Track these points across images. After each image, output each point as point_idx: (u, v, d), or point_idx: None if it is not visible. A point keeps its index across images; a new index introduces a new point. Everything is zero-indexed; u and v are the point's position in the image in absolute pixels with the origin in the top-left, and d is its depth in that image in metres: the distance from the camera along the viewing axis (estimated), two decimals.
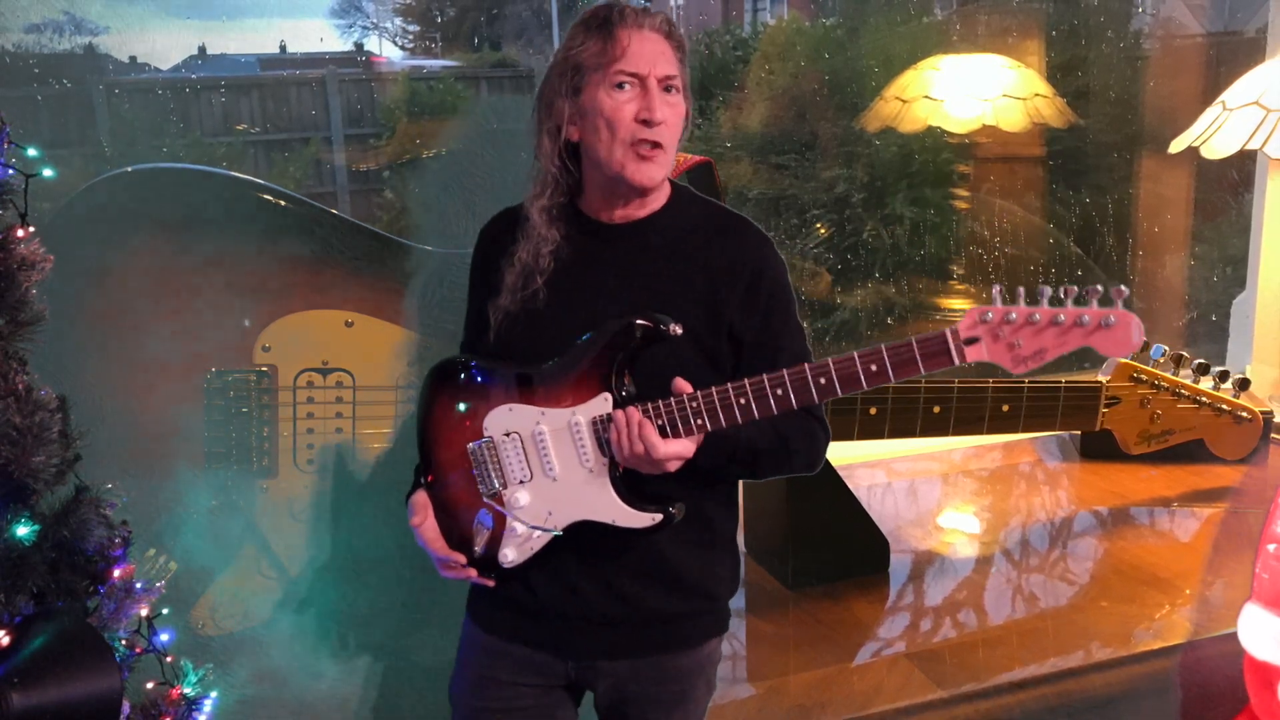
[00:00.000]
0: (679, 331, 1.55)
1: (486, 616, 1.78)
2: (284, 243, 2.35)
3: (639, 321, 1.55)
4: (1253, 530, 3.08)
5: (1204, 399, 3.38)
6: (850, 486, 3.25)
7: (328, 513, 2.38)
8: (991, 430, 3.22)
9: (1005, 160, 6.08)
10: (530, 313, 1.65)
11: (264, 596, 2.37)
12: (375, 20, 8.69)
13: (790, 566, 3.17)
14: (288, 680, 2.36)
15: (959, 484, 3.99)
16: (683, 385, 1.53)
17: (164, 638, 1.79)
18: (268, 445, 2.36)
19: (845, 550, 3.21)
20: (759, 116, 6.86)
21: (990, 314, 1.43)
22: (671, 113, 1.60)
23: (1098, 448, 3.91)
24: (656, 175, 1.61)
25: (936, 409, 3.10)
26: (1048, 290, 1.42)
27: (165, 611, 1.82)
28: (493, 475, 1.65)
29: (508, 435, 1.63)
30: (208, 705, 1.84)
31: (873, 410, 3.02)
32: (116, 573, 1.72)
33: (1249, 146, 3.81)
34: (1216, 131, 3.92)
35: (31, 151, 1.63)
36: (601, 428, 1.57)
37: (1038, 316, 1.41)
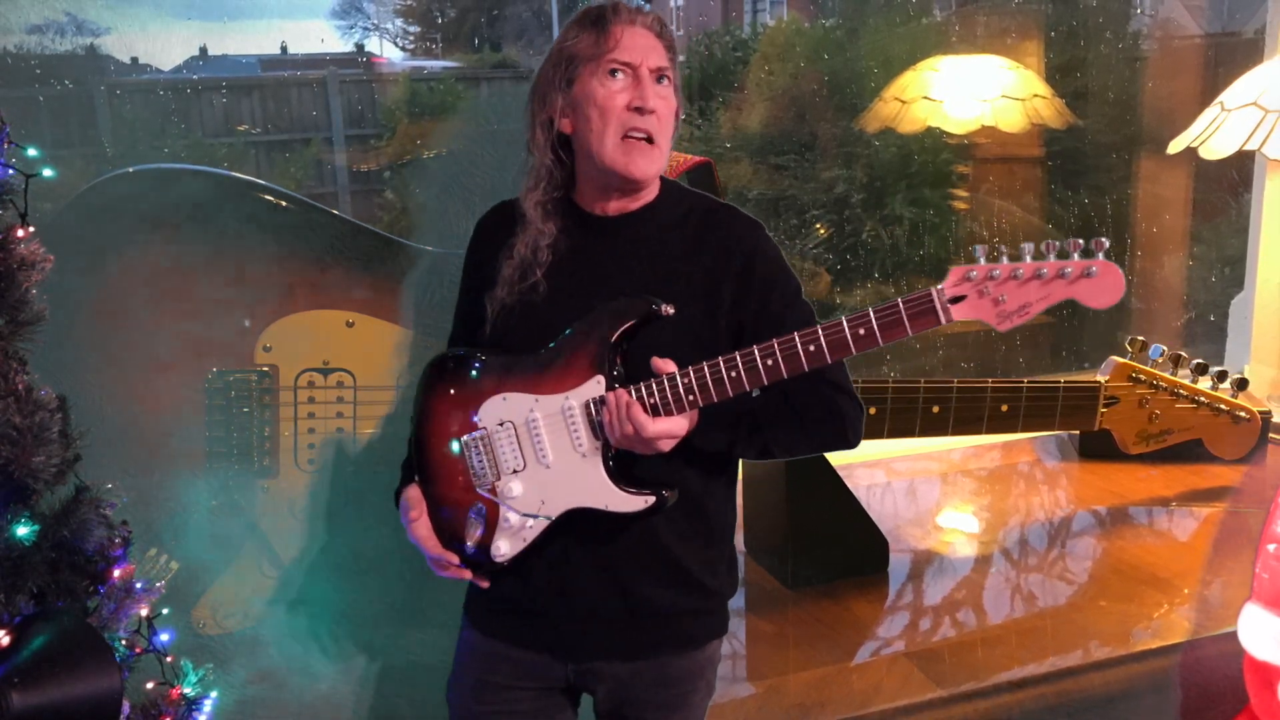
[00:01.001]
0: (670, 311, 1.55)
1: (484, 620, 1.78)
2: (285, 243, 2.35)
3: (630, 302, 1.56)
4: (1252, 530, 3.08)
5: (1202, 399, 3.38)
6: (850, 486, 3.25)
7: (328, 512, 2.38)
8: (990, 430, 3.23)
9: (1004, 161, 6.07)
10: (526, 305, 1.66)
11: (264, 596, 2.37)
12: (376, 21, 8.69)
13: (790, 566, 3.17)
14: (288, 680, 2.36)
15: (958, 484, 3.99)
16: (660, 364, 1.53)
17: (164, 638, 1.79)
18: (269, 445, 2.36)
19: (844, 550, 3.21)
20: (758, 117, 6.86)
21: (974, 271, 1.43)
22: (663, 104, 1.61)
23: (1097, 447, 3.91)
24: (649, 169, 1.61)
25: (936, 409, 3.11)
26: (1029, 246, 1.42)
27: (165, 611, 1.83)
28: (486, 466, 1.65)
29: (501, 425, 1.63)
30: (207, 705, 1.84)
31: (872, 410, 3.02)
32: (116, 573, 1.73)
33: (1247, 147, 3.81)
34: (1215, 132, 3.92)
35: (32, 151, 1.64)
36: (595, 411, 1.57)
37: (1021, 271, 1.42)
